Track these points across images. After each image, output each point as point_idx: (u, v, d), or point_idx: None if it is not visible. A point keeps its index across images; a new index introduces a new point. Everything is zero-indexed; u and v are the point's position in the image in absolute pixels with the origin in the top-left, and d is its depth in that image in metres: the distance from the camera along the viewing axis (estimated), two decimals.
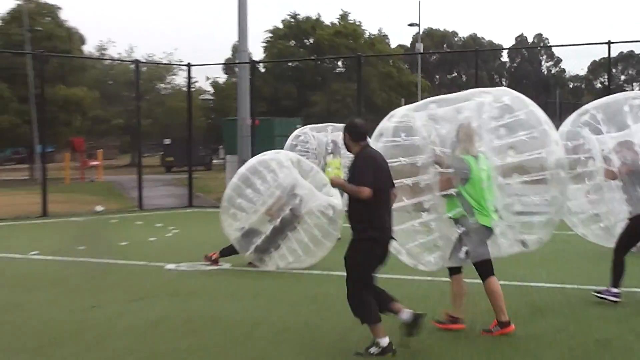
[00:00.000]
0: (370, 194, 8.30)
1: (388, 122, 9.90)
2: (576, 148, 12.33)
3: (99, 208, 29.51)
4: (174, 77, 72.70)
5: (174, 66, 67.23)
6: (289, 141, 22.21)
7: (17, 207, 29.44)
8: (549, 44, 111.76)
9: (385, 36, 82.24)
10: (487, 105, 9.56)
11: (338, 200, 14.72)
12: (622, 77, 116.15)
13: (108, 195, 30.65)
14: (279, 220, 14.38)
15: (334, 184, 9.00)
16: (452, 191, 9.25)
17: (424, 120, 9.59)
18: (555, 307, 10.86)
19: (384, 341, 8.45)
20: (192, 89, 37.77)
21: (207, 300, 11.73)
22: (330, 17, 76.36)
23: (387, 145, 9.54)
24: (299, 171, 14.72)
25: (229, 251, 14.88)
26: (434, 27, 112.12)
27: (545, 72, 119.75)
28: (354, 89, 46.68)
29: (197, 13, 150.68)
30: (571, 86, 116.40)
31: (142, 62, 53.97)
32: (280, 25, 74.43)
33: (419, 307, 10.85)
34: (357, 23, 74.84)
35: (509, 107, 9.65)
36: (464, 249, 9.32)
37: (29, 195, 32.61)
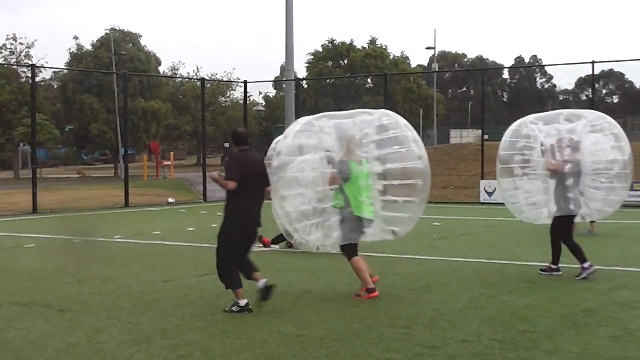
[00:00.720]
0: (235, 186, 8.85)
1: (293, 126, 10.43)
2: (519, 145, 12.19)
3: (170, 200, 29.65)
4: (232, 91, 72.98)
5: (233, 83, 67.46)
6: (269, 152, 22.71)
7: (103, 199, 29.73)
8: (542, 64, 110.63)
9: (407, 57, 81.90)
10: (367, 122, 10.03)
11: None
12: (604, 91, 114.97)
13: (178, 189, 30.80)
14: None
15: (211, 178, 9.35)
16: (336, 186, 9.74)
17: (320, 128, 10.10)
18: (548, 282, 10.77)
19: (243, 302, 8.94)
20: (248, 102, 37.79)
21: (260, 275, 11.71)
22: (361, 42, 76.08)
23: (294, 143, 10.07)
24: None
25: (278, 239, 14.87)
26: (447, 50, 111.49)
27: (539, 87, 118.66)
28: (381, 101, 46.49)
29: (252, 38, 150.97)
30: (561, 99, 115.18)
31: (207, 80, 54.06)
32: (320, 49, 74.42)
33: (427, 281, 10.82)
34: (384, 47, 74.69)
35: (385, 126, 10.08)
36: (337, 233, 9.86)
37: (113, 190, 32.89)
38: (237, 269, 9.12)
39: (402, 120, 10.23)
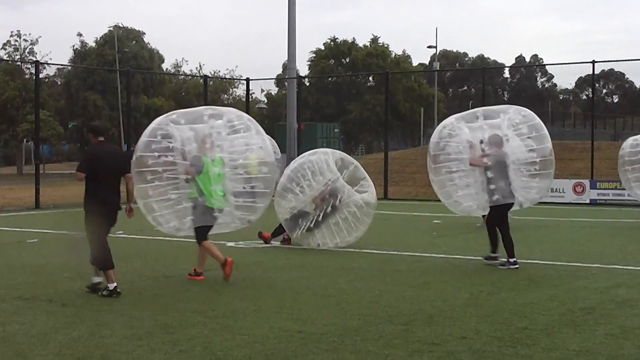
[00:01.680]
0: (83, 177, 9.78)
1: (151, 125, 11.17)
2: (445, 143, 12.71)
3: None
4: (235, 89, 73.00)
5: (235, 80, 67.48)
6: None
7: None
8: (542, 63, 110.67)
9: (408, 56, 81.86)
10: (223, 124, 11.18)
11: (371, 195, 14.61)
12: (604, 91, 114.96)
13: None
14: (322, 208, 14.28)
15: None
16: (190, 178, 10.74)
17: (177, 127, 10.95)
18: (547, 280, 10.76)
19: (112, 285, 9.64)
20: (250, 99, 37.81)
21: (261, 271, 11.73)
22: (363, 41, 76.03)
23: (146, 140, 10.86)
24: (342, 165, 14.54)
25: (278, 232, 14.91)
26: (448, 49, 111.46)
27: (540, 87, 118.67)
28: (383, 99, 46.50)
29: (255, 36, 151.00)
30: (561, 98, 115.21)
31: (210, 77, 54.06)
32: (322, 47, 74.36)
33: (429, 277, 10.83)
34: (385, 45, 74.61)
35: (237, 128, 11.31)
36: (189, 218, 10.84)
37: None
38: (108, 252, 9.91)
39: (253, 125, 11.45)
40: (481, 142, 12.12)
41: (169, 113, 11.56)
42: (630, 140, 19.26)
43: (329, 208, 14.22)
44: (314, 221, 14.31)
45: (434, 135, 12.94)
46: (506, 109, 12.83)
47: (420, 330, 7.72)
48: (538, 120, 12.67)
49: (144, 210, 11.12)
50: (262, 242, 14.98)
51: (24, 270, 11.95)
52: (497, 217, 12.10)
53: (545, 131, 12.52)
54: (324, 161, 14.42)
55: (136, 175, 10.70)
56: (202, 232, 10.93)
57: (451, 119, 12.93)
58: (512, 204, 12.20)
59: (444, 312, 8.62)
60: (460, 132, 12.44)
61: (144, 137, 10.97)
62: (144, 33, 67.59)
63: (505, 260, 11.94)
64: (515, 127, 12.38)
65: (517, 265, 11.81)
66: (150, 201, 10.95)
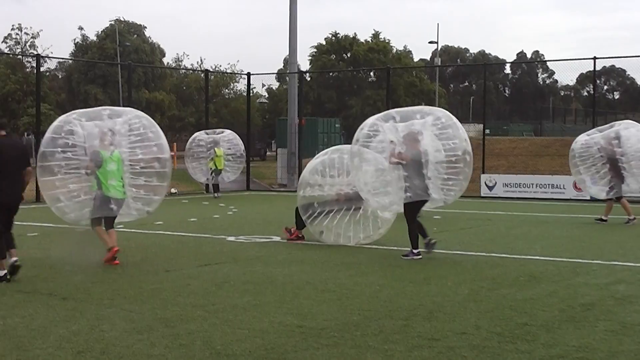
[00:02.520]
0: None
1: (55, 122, 12.28)
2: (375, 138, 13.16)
3: (173, 190, 29.61)
4: (236, 84, 72.91)
5: (237, 75, 67.41)
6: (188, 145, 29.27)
7: None
8: (544, 59, 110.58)
9: (410, 51, 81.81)
10: (124, 122, 12.34)
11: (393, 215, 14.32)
12: (605, 88, 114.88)
13: (181, 180, 30.75)
14: (344, 207, 14.16)
15: None
16: (90, 172, 11.83)
17: (80, 125, 12.07)
18: (547, 276, 10.75)
19: (2, 272, 10.18)
20: (251, 94, 37.80)
21: (261, 266, 11.73)
22: (364, 36, 75.89)
23: (50, 136, 11.93)
24: (360, 159, 13.69)
25: (302, 224, 14.70)
26: (449, 44, 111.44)
27: (541, 83, 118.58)
28: (384, 95, 46.49)
29: (256, 30, 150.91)
30: (562, 94, 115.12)
31: (211, 71, 54.03)
32: (324, 42, 74.29)
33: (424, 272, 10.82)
34: (387, 41, 74.52)
35: (135, 127, 12.39)
36: (88, 209, 11.95)
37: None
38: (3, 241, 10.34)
39: (149, 124, 12.51)
40: (391, 142, 12.64)
41: (69, 113, 12.67)
42: (583, 136, 19.64)
43: (351, 209, 14.11)
44: (331, 212, 14.18)
45: (355, 138, 13.30)
46: (423, 110, 13.28)
47: (420, 325, 7.73)
48: (455, 120, 13.09)
49: (49, 201, 12.29)
50: (287, 237, 14.79)
51: (24, 263, 11.91)
52: (409, 212, 12.61)
53: (463, 132, 13.01)
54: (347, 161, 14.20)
55: (41, 169, 11.99)
56: (96, 221, 12.13)
57: (371, 119, 13.31)
58: (426, 200, 12.67)
59: (444, 307, 8.63)
60: (381, 132, 12.91)
61: (49, 133, 12.03)
62: (145, 27, 67.66)
63: (409, 250, 12.52)
64: (433, 128, 12.78)
65: (420, 256, 12.37)
66: (56, 193, 12.12)
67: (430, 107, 13.77)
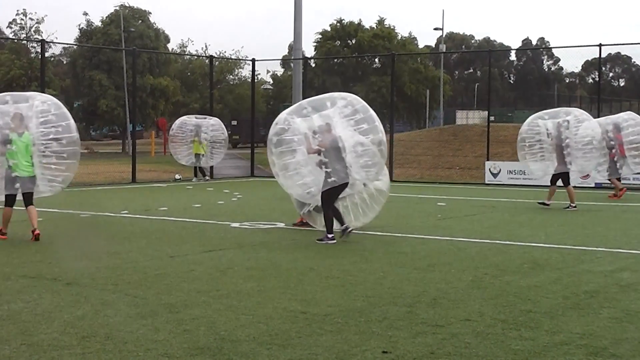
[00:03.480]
0: None
1: None
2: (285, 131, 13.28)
3: (177, 176, 29.68)
4: (241, 70, 72.85)
5: (241, 61, 67.34)
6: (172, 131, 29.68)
7: (111, 175, 29.77)
8: (549, 46, 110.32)
9: (415, 38, 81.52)
10: (29, 106, 13.12)
11: (385, 184, 14.41)
12: (611, 74, 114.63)
13: (185, 166, 30.74)
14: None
15: None
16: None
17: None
18: (551, 263, 10.75)
19: None
20: (256, 80, 37.77)
21: (265, 252, 11.74)
22: (369, 22, 75.78)
23: None
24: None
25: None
26: (455, 31, 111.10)
27: (546, 70, 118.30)
28: (389, 81, 46.39)
29: (261, 16, 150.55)
30: (567, 81, 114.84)
31: (216, 57, 54.02)
32: (329, 29, 74.11)
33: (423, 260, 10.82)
34: (392, 27, 74.30)
35: (43, 109, 13.25)
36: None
37: (121, 165, 32.94)
38: None
39: (55, 105, 13.43)
40: (314, 132, 12.87)
41: None
42: (530, 119, 20.42)
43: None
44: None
45: (270, 134, 13.47)
46: (334, 98, 13.40)
47: (424, 312, 7.73)
48: (364, 104, 13.41)
49: None
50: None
51: (29, 248, 11.97)
52: (329, 197, 12.80)
53: (378, 123, 13.20)
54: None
55: None
56: (6, 200, 12.98)
57: (283, 114, 13.50)
58: (347, 183, 12.86)
59: (447, 294, 8.63)
60: (293, 124, 13.09)
61: None
62: (150, 13, 67.41)
63: (326, 235, 12.73)
64: (347, 118, 13.07)
65: (335, 241, 12.61)
66: None
67: (341, 93, 13.98)
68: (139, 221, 15.76)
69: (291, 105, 35.19)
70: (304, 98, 33.44)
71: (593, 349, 6.46)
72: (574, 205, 18.65)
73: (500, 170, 27.36)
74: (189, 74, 71.51)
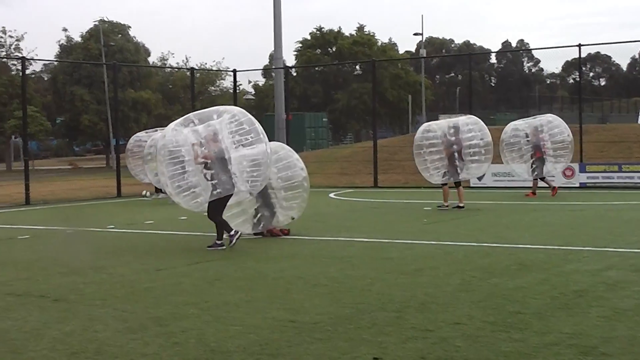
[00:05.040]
0: None
1: None
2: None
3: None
4: (222, 81, 72.83)
5: (222, 72, 67.31)
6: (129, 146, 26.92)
7: (96, 190, 29.65)
8: (529, 48, 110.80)
9: (395, 44, 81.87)
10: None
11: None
12: (591, 74, 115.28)
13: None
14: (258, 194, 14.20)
15: None
16: None
17: None
18: (538, 264, 10.77)
19: None
20: (237, 91, 37.74)
21: (253, 262, 11.72)
22: (349, 29, 75.89)
23: None
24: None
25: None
26: (434, 36, 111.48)
27: (527, 71, 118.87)
28: (370, 87, 46.43)
29: (241, 28, 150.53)
30: (548, 82, 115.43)
31: (197, 69, 53.91)
32: (309, 37, 74.26)
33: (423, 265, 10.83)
34: (372, 34, 74.56)
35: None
36: None
37: (105, 180, 32.80)
38: None
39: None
40: (200, 144, 13.10)
41: None
42: (511, 125, 23.57)
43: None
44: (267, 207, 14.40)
45: (159, 146, 13.63)
46: (219, 110, 13.76)
47: (413, 317, 7.73)
48: (250, 116, 13.67)
49: None
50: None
51: (15, 266, 11.91)
52: (216, 207, 13.16)
53: (263, 135, 13.46)
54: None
55: None
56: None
57: (171, 125, 13.72)
58: (232, 194, 13.22)
59: (436, 298, 8.63)
60: (181, 136, 13.24)
61: None
62: (130, 27, 67.36)
63: (215, 242, 13.18)
64: (229, 126, 13.37)
65: (224, 247, 13.01)
66: None
67: (226, 106, 14.53)
68: (125, 235, 15.71)
69: (273, 114, 35.20)
70: (286, 107, 33.54)
71: (583, 348, 6.47)
72: (446, 205, 19.70)
73: (484, 173, 27.42)
74: (170, 86, 71.41)
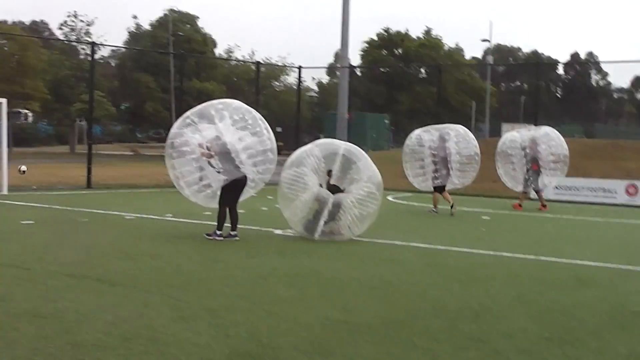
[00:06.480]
0: None
1: None
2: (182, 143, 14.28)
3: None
4: (286, 76, 73.09)
5: (288, 68, 67.55)
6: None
7: (156, 177, 29.91)
8: (598, 60, 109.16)
9: (461, 49, 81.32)
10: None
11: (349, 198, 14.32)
12: None
13: None
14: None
15: None
16: None
17: None
18: (597, 281, 10.60)
19: None
20: (301, 87, 37.84)
21: (308, 259, 11.74)
22: (416, 32, 75.66)
23: None
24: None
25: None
26: (502, 43, 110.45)
27: (594, 84, 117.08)
28: (434, 92, 46.20)
29: (307, 24, 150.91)
30: (615, 97, 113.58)
31: (262, 64, 54.21)
32: (375, 38, 74.14)
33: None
34: (439, 38, 74.17)
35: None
36: None
37: (166, 168, 33.06)
38: None
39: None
40: (199, 145, 13.86)
41: None
42: (508, 135, 24.04)
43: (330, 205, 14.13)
44: (326, 216, 14.17)
45: (167, 144, 14.51)
46: (219, 107, 14.34)
47: (467, 326, 7.66)
48: (251, 109, 14.59)
49: None
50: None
51: (75, 248, 12.10)
52: (225, 194, 13.82)
53: (262, 128, 14.38)
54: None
55: None
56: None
57: (173, 129, 14.47)
58: (242, 183, 13.93)
59: (490, 309, 8.55)
60: (185, 136, 14.16)
61: None
62: (198, 17, 67.98)
63: (214, 231, 13.64)
64: (231, 121, 14.13)
65: (222, 238, 13.50)
66: None
67: (222, 99, 15.25)
68: (183, 225, 15.86)
69: (335, 113, 35.20)
70: (349, 106, 33.56)
71: None
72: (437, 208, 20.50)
73: (546, 185, 27.08)
74: (235, 79, 71.89)
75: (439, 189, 20.74)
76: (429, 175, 21.07)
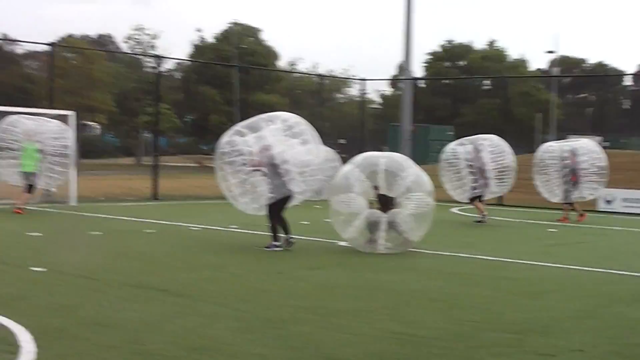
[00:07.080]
0: None
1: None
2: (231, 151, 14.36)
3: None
4: (349, 89, 73.12)
5: (350, 80, 67.57)
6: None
7: (220, 189, 30.08)
8: None
9: (525, 60, 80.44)
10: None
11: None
12: None
13: None
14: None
15: None
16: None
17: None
18: None
19: None
20: (365, 100, 37.86)
21: (371, 272, 11.68)
22: (480, 44, 75.06)
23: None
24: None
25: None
26: (566, 54, 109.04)
27: None
28: (498, 104, 45.77)
29: (370, 36, 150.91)
30: None
31: (325, 76, 54.34)
32: (439, 49, 73.81)
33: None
34: (502, 49, 73.53)
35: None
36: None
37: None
38: None
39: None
40: (250, 153, 13.93)
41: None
42: (546, 145, 24.18)
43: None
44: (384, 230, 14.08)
45: (218, 155, 14.68)
46: (270, 119, 14.47)
47: (535, 340, 7.54)
48: (301, 119, 14.55)
49: None
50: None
51: (141, 259, 12.25)
52: (273, 210, 13.81)
53: (312, 138, 14.26)
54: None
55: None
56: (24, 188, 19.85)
57: (223, 140, 14.53)
58: (289, 196, 13.86)
59: (559, 322, 8.40)
60: (238, 145, 14.20)
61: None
62: (261, 30, 68.44)
63: (271, 243, 13.70)
64: (280, 131, 14.16)
65: (281, 248, 13.59)
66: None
67: (274, 112, 15.54)
68: (247, 236, 15.94)
69: (399, 125, 35.13)
70: (412, 118, 33.43)
71: None
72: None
73: (615, 197, 26.60)
74: (298, 91, 72.14)
75: (477, 199, 21.14)
76: (468, 187, 21.28)
